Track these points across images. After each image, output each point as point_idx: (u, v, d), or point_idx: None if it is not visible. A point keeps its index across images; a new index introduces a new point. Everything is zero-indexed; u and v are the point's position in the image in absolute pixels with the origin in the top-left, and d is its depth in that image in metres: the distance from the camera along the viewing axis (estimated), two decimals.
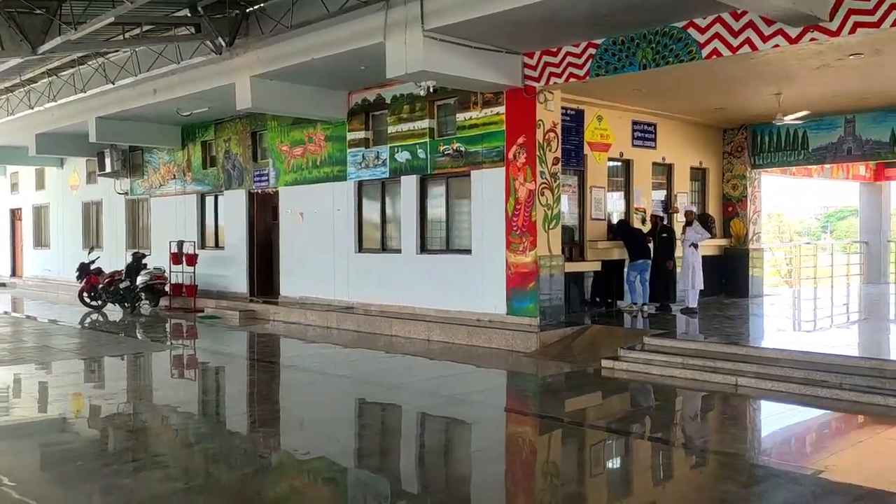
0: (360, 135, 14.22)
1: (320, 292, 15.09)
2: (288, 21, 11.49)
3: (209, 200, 18.31)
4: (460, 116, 12.49)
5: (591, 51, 10.61)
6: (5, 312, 18.14)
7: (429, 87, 10.85)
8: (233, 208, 17.33)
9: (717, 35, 9.33)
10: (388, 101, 13.68)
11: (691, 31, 9.57)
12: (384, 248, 14.11)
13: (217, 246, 18.03)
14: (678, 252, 13.47)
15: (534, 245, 11.49)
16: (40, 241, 25.27)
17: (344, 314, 13.88)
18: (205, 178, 18.10)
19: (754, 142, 15.95)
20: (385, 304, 13.77)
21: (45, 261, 24.65)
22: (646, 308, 13.08)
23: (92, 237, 22.41)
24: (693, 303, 12.96)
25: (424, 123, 13.05)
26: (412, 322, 12.67)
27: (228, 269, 17.44)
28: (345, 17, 10.94)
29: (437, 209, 13.18)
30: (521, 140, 11.58)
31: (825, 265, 19.17)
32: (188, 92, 14.36)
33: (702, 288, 13.09)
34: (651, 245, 13.37)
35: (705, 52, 9.47)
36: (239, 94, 13.11)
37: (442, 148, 12.80)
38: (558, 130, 11.74)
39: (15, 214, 26.91)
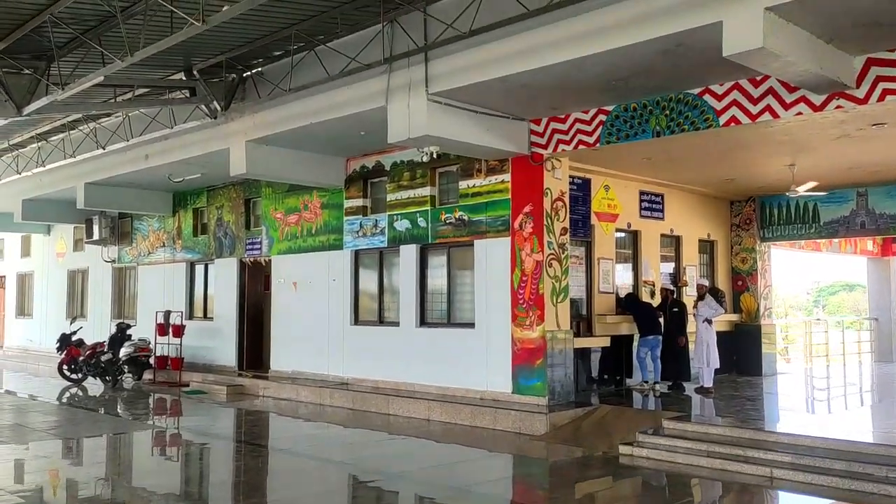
0: (358, 202, 13.72)
1: (313, 366, 14.32)
2: (286, 85, 11.11)
3: (199, 269, 17.67)
4: (463, 184, 12.02)
5: (602, 117, 10.21)
6: None
7: (431, 153, 10.40)
8: (223, 277, 16.68)
9: (735, 102, 8.93)
10: (387, 167, 13.23)
11: (707, 97, 9.18)
12: (381, 321, 13.43)
13: (205, 316, 17.30)
14: (690, 327, 12.84)
15: (541, 319, 10.85)
16: (23, 309, 24.45)
17: (338, 390, 13.09)
18: (195, 246, 17.51)
19: (763, 214, 15.52)
20: (382, 380, 13.00)
21: (28, 330, 23.79)
22: (657, 386, 12.41)
23: (76, 306, 21.64)
24: (708, 382, 12.28)
25: (425, 191, 12.57)
26: (411, 400, 11.89)
27: (216, 341, 16.68)
28: (345, 81, 10.57)
29: (438, 280, 12.57)
30: (527, 209, 11.08)
31: (833, 341, 18.52)
32: (181, 157, 13.90)
33: (717, 366, 12.44)
34: (661, 320, 12.77)
35: (723, 119, 9.06)
36: (233, 160, 12.64)
37: (444, 216, 12.28)
38: (566, 199, 11.26)
39: None
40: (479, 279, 11.75)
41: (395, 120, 10.04)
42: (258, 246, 15.79)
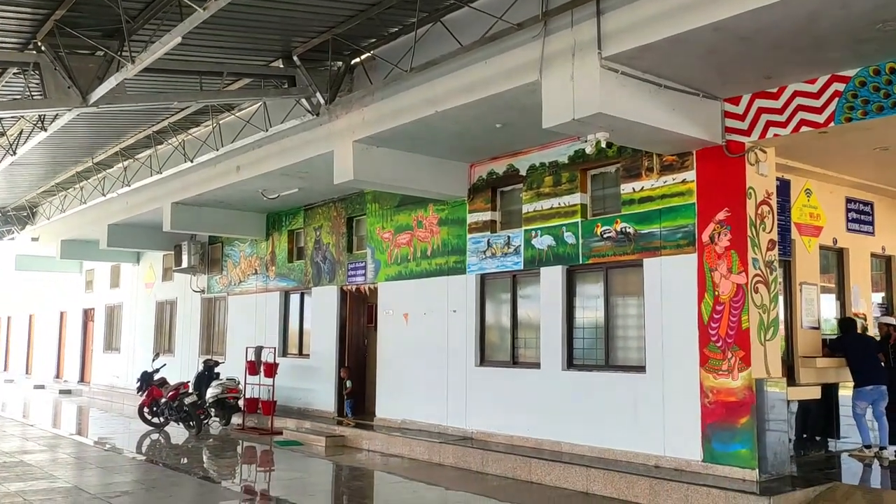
0: (485, 216, 11.28)
1: (428, 415, 11.86)
2: (407, 64, 8.87)
3: (294, 299, 15.60)
4: (626, 187, 9.43)
5: (837, 86, 7.47)
6: (67, 434, 15.53)
7: (598, 142, 7.92)
8: (321, 308, 14.52)
9: None
10: (522, 172, 10.77)
11: None
12: (515, 362, 10.86)
13: (301, 353, 15.18)
14: None
15: (746, 363, 8.06)
16: (111, 344, 23.05)
17: (461, 447, 10.54)
18: (290, 273, 15.47)
19: None
20: (518, 436, 10.40)
21: (115, 366, 22.34)
22: (885, 453, 9.38)
23: (164, 341, 19.97)
24: None
25: (574, 198, 10.03)
26: (560, 465, 9.20)
27: (313, 382, 14.48)
28: (481, 56, 8.26)
29: (591, 311, 9.95)
30: (721, 216, 8.38)
31: None
32: (277, 166, 11.84)
33: None
34: (883, 363, 9.78)
35: None
36: (338, 165, 10.47)
37: (600, 229, 9.69)
38: (773, 203, 8.50)
39: (87, 315, 24.93)
40: (650, 309, 9.05)
41: (553, 97, 7.59)
42: (362, 271, 13.56)
